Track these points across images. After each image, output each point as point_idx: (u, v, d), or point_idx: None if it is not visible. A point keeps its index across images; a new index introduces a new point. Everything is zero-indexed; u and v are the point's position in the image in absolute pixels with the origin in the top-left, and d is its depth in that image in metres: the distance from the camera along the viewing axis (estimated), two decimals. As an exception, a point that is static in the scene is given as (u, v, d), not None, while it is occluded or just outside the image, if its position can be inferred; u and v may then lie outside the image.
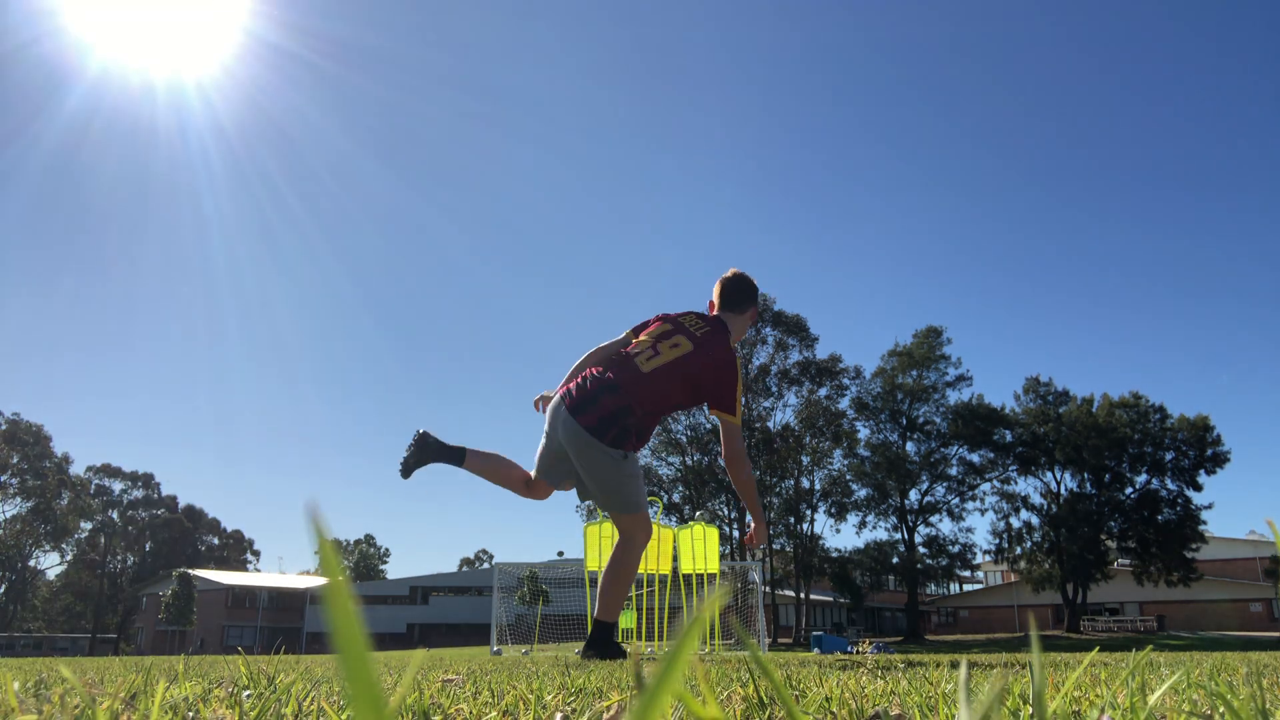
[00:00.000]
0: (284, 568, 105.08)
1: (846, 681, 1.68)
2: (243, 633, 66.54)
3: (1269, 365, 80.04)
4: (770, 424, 48.72)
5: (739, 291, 4.39)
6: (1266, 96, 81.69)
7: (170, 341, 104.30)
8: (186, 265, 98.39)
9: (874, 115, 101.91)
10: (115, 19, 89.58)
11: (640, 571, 11.59)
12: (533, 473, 4.35)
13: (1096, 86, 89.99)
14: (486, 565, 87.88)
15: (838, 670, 2.43)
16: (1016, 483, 52.03)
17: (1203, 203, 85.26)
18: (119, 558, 75.85)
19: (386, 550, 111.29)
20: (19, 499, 65.03)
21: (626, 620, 14.49)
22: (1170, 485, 49.66)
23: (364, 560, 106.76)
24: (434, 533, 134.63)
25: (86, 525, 71.05)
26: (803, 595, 48.74)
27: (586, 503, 4.63)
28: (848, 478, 50.11)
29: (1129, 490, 50.71)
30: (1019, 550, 52.13)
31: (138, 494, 75.49)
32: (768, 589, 45.78)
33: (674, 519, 45.57)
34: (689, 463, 47.22)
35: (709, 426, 45.76)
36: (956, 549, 50.40)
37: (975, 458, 51.28)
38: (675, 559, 12.41)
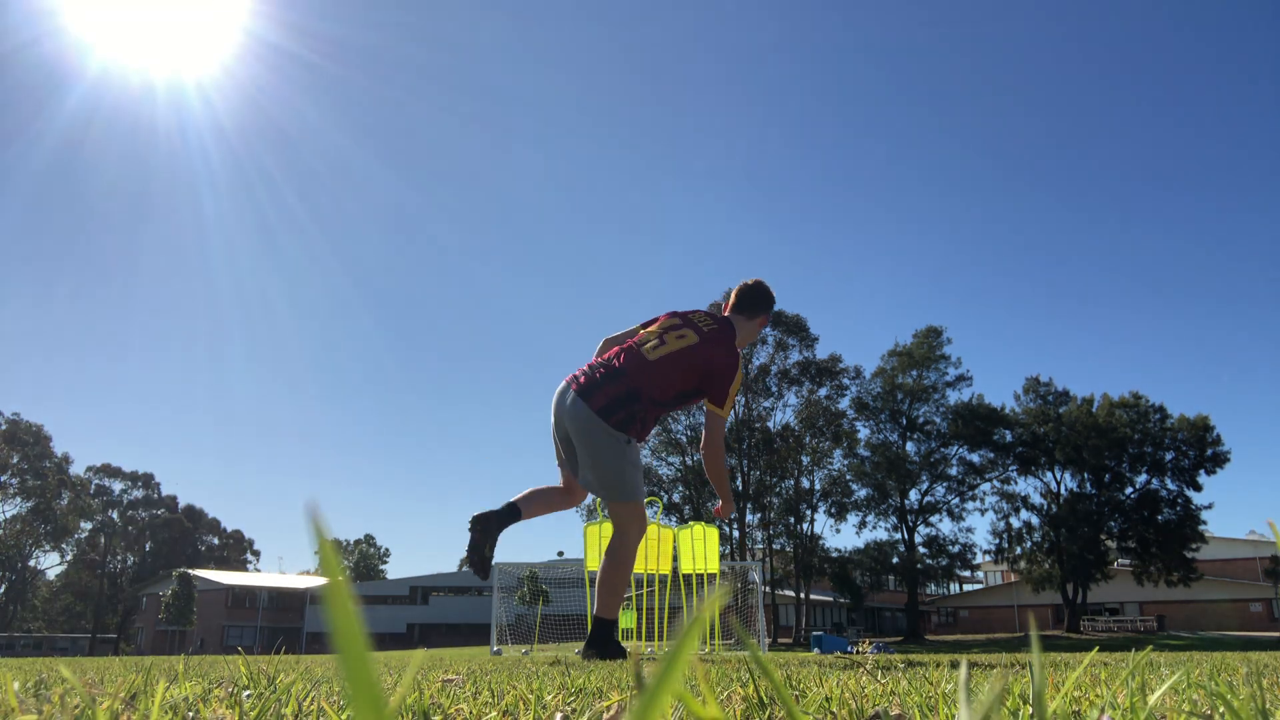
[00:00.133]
0: (284, 568, 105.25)
1: (846, 681, 1.68)
2: (243, 633, 66.53)
3: (1269, 365, 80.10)
4: (770, 424, 48.74)
5: (752, 297, 4.56)
6: (1266, 97, 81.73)
7: (170, 341, 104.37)
8: (186, 265, 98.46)
9: (874, 116, 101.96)
10: (115, 19, 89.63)
11: (640, 571, 11.57)
12: (560, 481, 4.44)
13: (1097, 87, 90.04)
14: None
15: (838, 670, 2.43)
16: (1016, 483, 52.10)
17: (1203, 203, 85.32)
18: (119, 558, 75.85)
19: (386, 550, 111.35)
20: (19, 499, 65.06)
21: (626, 620, 14.48)
22: (1170, 485, 49.70)
23: (364, 560, 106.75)
24: (434, 533, 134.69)
25: (86, 525, 71.08)
26: (803, 595, 48.74)
27: (586, 502, 4.65)
28: (848, 478, 50.12)
29: (1129, 490, 50.71)
30: (1019, 550, 52.13)
31: (138, 494, 75.53)
32: (768, 589, 45.80)
33: (674, 519, 45.57)
34: (689, 463, 47.22)
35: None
36: (956, 549, 50.42)
37: (975, 458, 51.31)
38: (675, 559, 12.40)
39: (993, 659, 3.88)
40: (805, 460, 48.99)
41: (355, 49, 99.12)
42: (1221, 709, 0.97)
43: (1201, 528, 49.07)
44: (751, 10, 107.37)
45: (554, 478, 4.50)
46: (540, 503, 4.42)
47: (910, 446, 51.40)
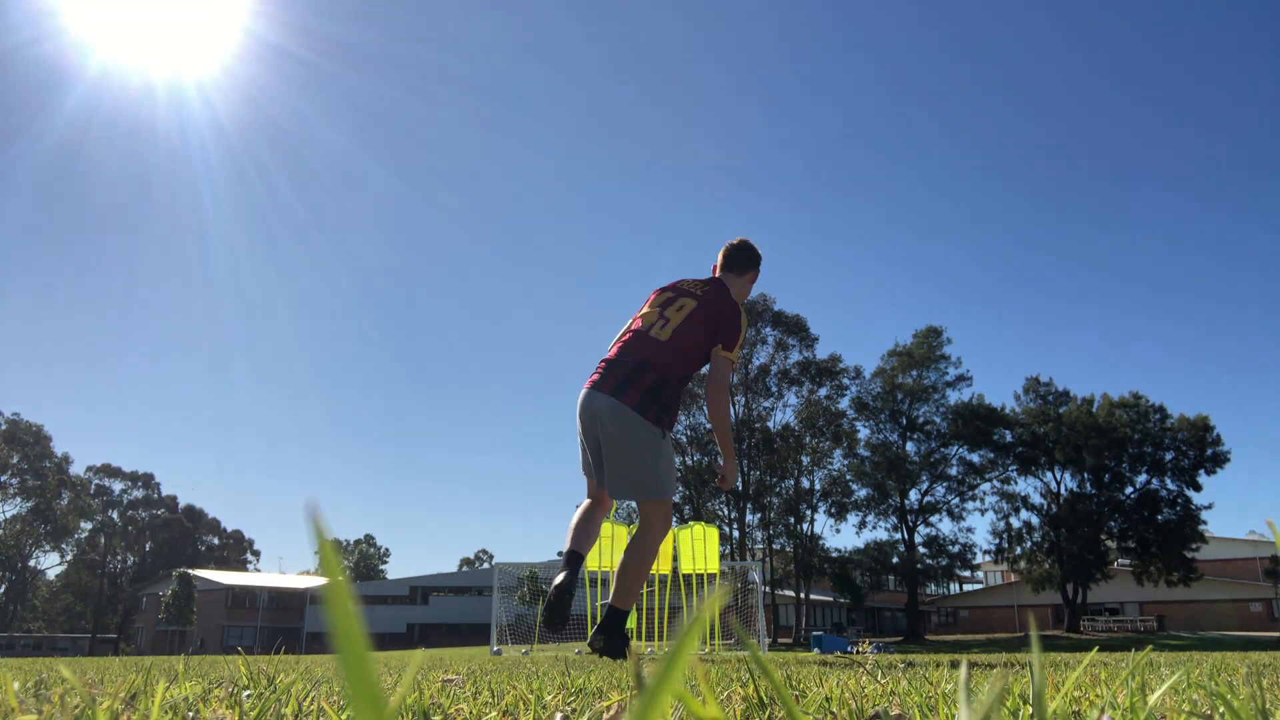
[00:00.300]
0: (284, 568, 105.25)
1: (846, 681, 1.68)
2: (243, 633, 66.52)
3: (1269, 365, 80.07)
4: (770, 424, 48.74)
5: (739, 255, 4.64)
6: (1265, 98, 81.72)
7: (170, 341, 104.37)
8: (186, 265, 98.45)
9: (875, 116, 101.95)
10: (115, 19, 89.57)
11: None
12: (590, 496, 4.41)
13: (1097, 87, 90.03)
14: (486, 565, 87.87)
15: (838, 670, 2.43)
16: (1016, 483, 52.06)
17: (1203, 203, 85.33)
18: (119, 558, 75.84)
19: (386, 550, 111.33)
20: (19, 499, 65.05)
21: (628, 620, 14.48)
22: (1170, 485, 49.65)
23: (364, 560, 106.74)
24: (434, 533, 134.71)
25: (86, 525, 71.08)
26: (803, 595, 48.73)
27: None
28: (848, 478, 50.10)
29: (1129, 490, 50.69)
30: (1019, 550, 52.10)
31: (138, 494, 75.52)
32: (768, 589, 45.79)
33: (674, 519, 45.54)
34: (689, 463, 47.21)
35: (708, 427, 45.74)
36: (956, 549, 50.39)
37: (975, 458, 51.29)
38: (675, 559, 12.41)
39: (993, 659, 3.88)
40: (805, 460, 48.98)
41: (355, 49, 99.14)
42: (1221, 709, 0.97)
43: (1201, 528, 49.05)
44: (751, 10, 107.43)
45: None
46: (590, 533, 4.35)
47: (910, 446, 51.41)
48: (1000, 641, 44.27)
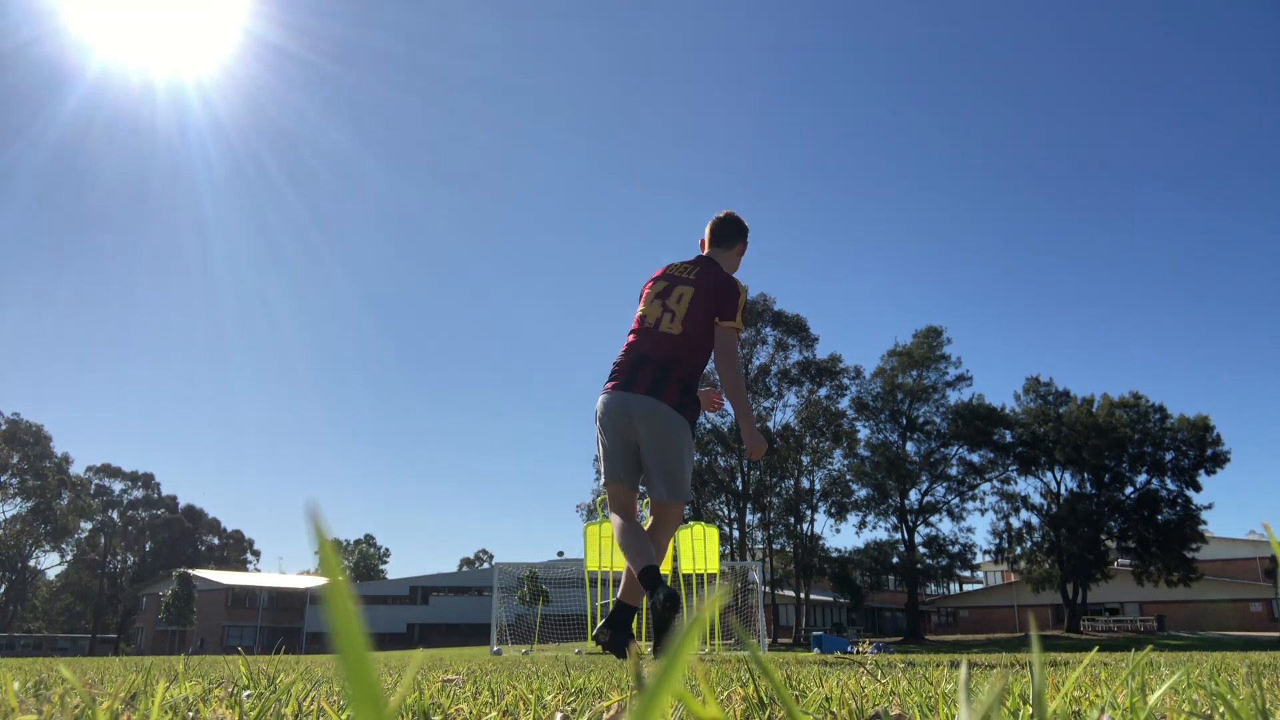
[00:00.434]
0: (284, 568, 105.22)
1: (846, 681, 1.68)
2: (243, 633, 66.52)
3: (1269, 365, 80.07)
4: (770, 424, 48.73)
5: (726, 228, 4.61)
6: (1266, 98, 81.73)
7: (170, 341, 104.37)
8: (186, 265, 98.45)
9: (875, 116, 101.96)
10: (115, 19, 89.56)
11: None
12: (620, 504, 4.21)
13: (1097, 88, 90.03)
14: (486, 565, 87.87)
15: (838, 670, 2.43)
16: (1016, 483, 52.07)
17: (1203, 204, 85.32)
18: (119, 558, 75.84)
19: (386, 550, 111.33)
20: (19, 499, 65.06)
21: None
22: (1170, 485, 49.66)
23: (364, 560, 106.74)
24: (434, 533, 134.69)
25: (86, 525, 71.08)
26: (803, 595, 48.72)
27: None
28: (848, 478, 50.10)
29: (1129, 490, 50.69)
30: (1019, 550, 52.10)
31: (138, 494, 75.53)
32: (768, 589, 45.78)
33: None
34: (689, 463, 47.15)
35: (707, 426, 45.76)
36: (956, 549, 50.39)
37: (975, 458, 51.29)
38: (675, 559, 12.41)
39: (993, 659, 3.88)
40: (805, 460, 48.98)
41: (355, 49, 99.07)
42: (1221, 709, 0.97)
43: (1201, 528, 49.05)
44: (751, 10, 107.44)
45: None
46: (647, 542, 4.10)
47: (910, 446, 51.41)
48: (1000, 641, 44.26)
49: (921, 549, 50.42)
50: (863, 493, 50.15)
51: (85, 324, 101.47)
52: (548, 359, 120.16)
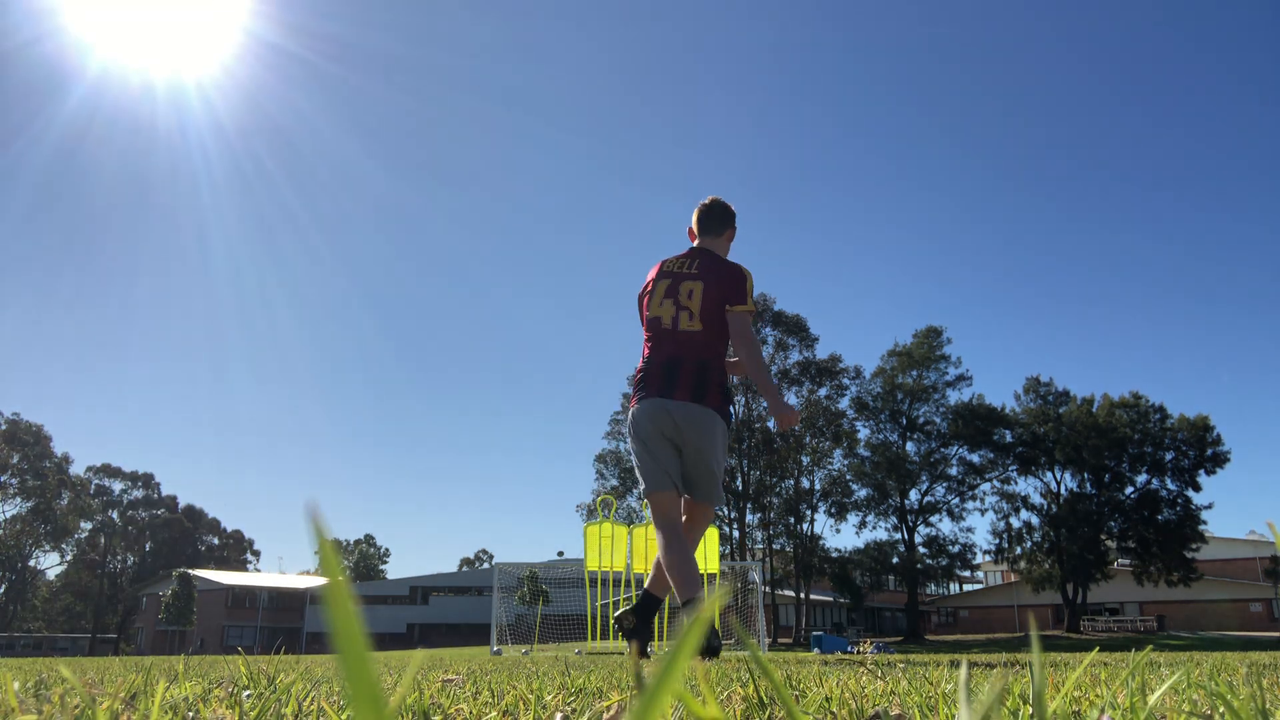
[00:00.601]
0: (284, 568, 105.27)
1: (846, 681, 1.68)
2: (243, 633, 66.52)
3: (1269, 365, 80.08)
4: (770, 424, 48.72)
5: (714, 215, 4.56)
6: (1265, 99, 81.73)
7: (170, 341, 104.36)
8: (186, 265, 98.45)
9: (875, 116, 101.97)
10: (115, 19, 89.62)
11: (640, 571, 11.57)
12: (664, 514, 4.09)
13: (1097, 88, 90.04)
14: (486, 565, 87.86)
15: (838, 670, 2.43)
16: (1016, 483, 52.06)
17: (1203, 203, 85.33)
18: (119, 558, 75.84)
19: (386, 550, 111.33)
20: (19, 499, 65.05)
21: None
22: (1170, 485, 49.64)
23: (364, 560, 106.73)
24: (434, 533, 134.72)
25: (86, 525, 71.08)
26: (803, 595, 48.72)
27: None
28: (848, 478, 50.09)
29: (1129, 490, 50.69)
30: (1019, 550, 52.09)
31: (138, 494, 75.52)
32: (768, 589, 45.78)
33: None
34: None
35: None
36: (956, 549, 50.38)
37: (975, 458, 51.27)
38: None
39: (993, 659, 3.88)
40: (805, 460, 48.98)
41: (355, 49, 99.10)
42: (1221, 709, 0.97)
43: (1201, 528, 49.05)
44: (751, 10, 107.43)
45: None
46: (693, 578, 3.97)
47: (910, 446, 51.41)
48: (1000, 641, 44.26)
49: (921, 549, 50.42)
50: (863, 493, 50.18)
51: (85, 324, 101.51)
52: (548, 359, 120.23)
